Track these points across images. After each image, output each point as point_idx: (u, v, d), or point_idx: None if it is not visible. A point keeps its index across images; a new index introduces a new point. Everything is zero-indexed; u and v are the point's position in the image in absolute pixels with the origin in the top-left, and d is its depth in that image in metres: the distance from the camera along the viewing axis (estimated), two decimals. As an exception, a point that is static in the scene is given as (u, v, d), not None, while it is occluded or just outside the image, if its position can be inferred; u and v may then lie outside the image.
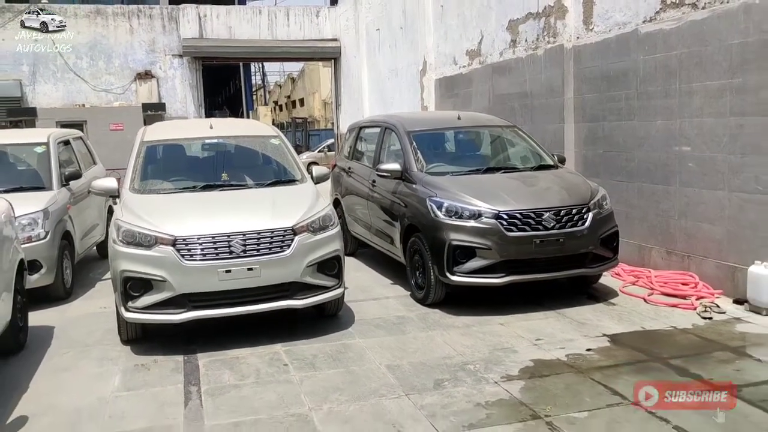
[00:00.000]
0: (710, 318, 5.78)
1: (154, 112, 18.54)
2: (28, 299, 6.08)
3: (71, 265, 7.61)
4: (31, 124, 17.27)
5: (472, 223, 6.08)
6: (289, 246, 5.47)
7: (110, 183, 6.33)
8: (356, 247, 8.94)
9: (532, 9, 9.38)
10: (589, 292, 6.73)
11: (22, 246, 6.36)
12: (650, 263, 7.30)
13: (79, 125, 17.65)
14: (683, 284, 6.57)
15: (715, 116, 6.32)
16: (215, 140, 6.95)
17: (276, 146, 6.96)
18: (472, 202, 6.17)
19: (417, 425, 4.00)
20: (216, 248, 5.32)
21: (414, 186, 6.77)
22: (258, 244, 5.40)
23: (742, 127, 6.04)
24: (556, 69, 8.80)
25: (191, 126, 8.63)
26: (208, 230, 5.37)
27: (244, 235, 5.37)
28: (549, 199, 6.29)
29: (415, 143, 7.24)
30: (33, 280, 6.71)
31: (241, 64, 37.21)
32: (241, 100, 43.12)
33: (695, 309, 6.00)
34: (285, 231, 5.50)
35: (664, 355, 4.97)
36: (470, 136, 8.11)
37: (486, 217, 6.06)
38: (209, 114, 37.91)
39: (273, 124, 40.17)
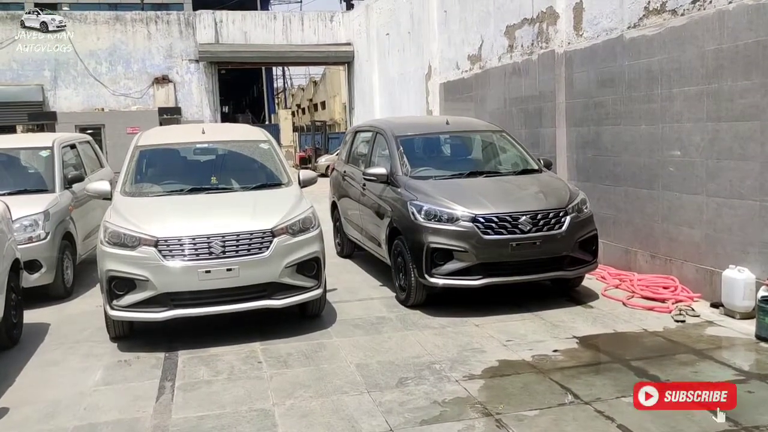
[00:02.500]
0: (683, 321, 5.83)
1: (170, 116, 18.98)
2: (22, 297, 6.32)
3: (72, 265, 7.87)
4: (52, 128, 17.77)
5: (449, 226, 6.21)
6: (267, 247, 5.65)
7: (103, 186, 6.60)
8: (352, 250, 9.09)
9: (527, 15, 9.47)
10: (570, 295, 6.81)
11: (24, 246, 6.67)
12: (636, 267, 7.35)
13: (97, 129, 18.17)
14: (664, 288, 6.62)
15: (694, 121, 6.38)
16: (206, 145, 7.19)
17: (265, 150, 7.14)
18: (450, 206, 6.30)
19: (371, 420, 4.16)
20: (196, 249, 5.52)
21: (398, 189, 6.90)
22: (237, 246, 5.59)
23: (718, 132, 6.09)
24: (548, 74, 8.89)
25: (184, 131, 8.86)
26: (188, 232, 5.57)
27: (223, 236, 5.57)
28: (526, 202, 6.39)
29: (402, 147, 7.38)
30: (33, 279, 7.01)
31: (263, 68, 37.76)
32: (263, 104, 43.78)
33: (670, 312, 6.06)
34: (264, 233, 5.68)
35: (627, 357, 5.05)
36: (457, 141, 8.23)
37: (463, 221, 6.18)
38: (233, 118, 38.51)
39: (294, 127, 40.48)
